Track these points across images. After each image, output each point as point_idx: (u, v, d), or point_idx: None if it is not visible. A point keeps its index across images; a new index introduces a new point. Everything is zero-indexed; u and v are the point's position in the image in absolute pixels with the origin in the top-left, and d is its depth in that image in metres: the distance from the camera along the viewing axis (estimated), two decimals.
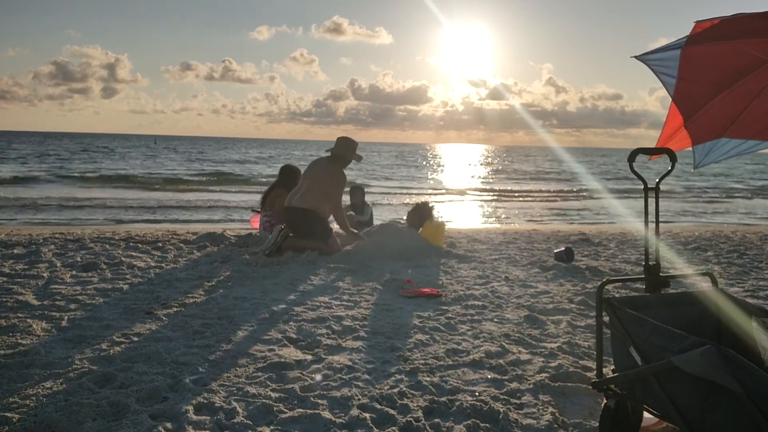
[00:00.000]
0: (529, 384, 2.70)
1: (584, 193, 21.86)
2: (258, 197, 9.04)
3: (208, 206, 14.42)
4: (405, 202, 16.38)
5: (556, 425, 2.31)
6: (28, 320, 3.42)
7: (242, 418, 2.28)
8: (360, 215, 7.32)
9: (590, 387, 2.41)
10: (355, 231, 6.19)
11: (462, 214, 13.91)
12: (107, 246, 6.01)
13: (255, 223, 7.97)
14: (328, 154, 6.18)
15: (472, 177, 31.41)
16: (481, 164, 48.83)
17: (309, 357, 2.98)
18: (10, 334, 3.19)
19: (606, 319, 2.11)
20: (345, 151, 6.14)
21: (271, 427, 2.24)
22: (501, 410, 2.37)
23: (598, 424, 2.23)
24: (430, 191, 21.81)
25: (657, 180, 2.40)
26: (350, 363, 2.89)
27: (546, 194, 21.35)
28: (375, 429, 2.23)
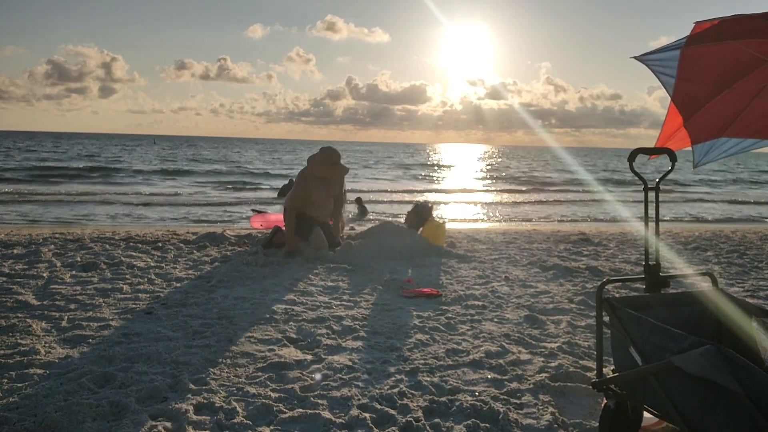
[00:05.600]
0: (529, 384, 2.70)
1: (584, 193, 21.86)
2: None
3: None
4: (404, 200, 16.38)
5: (556, 425, 2.31)
6: (28, 320, 3.43)
7: (242, 418, 2.28)
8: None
9: (590, 387, 2.41)
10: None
11: (462, 214, 13.91)
12: (107, 246, 6.00)
13: (255, 223, 7.98)
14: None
15: (472, 176, 31.42)
16: (481, 164, 48.85)
17: (309, 357, 2.98)
18: (10, 334, 3.19)
19: (606, 319, 2.11)
20: (311, 162, 5.99)
21: (271, 427, 2.24)
22: (501, 410, 2.38)
23: (598, 424, 2.24)
24: (429, 191, 21.81)
25: (657, 180, 2.40)
26: (350, 363, 2.89)
27: (546, 194, 21.36)
28: (375, 429, 2.23)
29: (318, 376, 2.72)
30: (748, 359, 1.62)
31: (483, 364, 2.94)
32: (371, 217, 11.11)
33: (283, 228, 6.54)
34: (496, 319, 3.74)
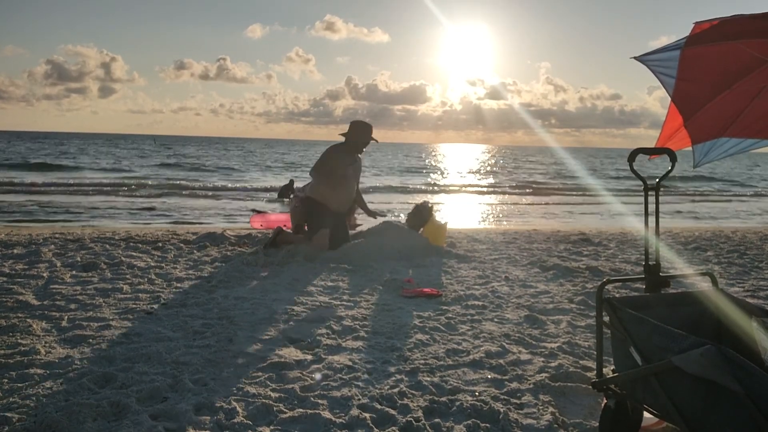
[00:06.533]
0: (529, 384, 2.70)
1: (584, 193, 21.86)
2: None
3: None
4: (405, 200, 16.37)
5: (556, 425, 2.31)
6: (28, 320, 3.43)
7: (242, 418, 2.28)
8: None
9: (590, 387, 2.41)
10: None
11: (462, 214, 13.91)
12: (107, 246, 6.01)
13: (255, 223, 7.98)
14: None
15: (472, 177, 31.42)
16: (481, 164, 48.86)
17: (309, 357, 2.98)
18: (10, 334, 3.19)
19: (606, 319, 2.11)
20: (349, 133, 6.00)
21: (271, 427, 2.24)
22: (501, 410, 2.38)
23: (598, 424, 2.24)
24: (429, 191, 21.81)
25: (657, 180, 2.40)
26: (350, 363, 2.89)
27: (546, 194, 21.36)
28: (375, 429, 2.23)
29: (318, 376, 2.72)
30: (749, 359, 1.62)
31: (483, 364, 2.94)
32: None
33: (284, 228, 6.53)
34: (496, 319, 3.74)
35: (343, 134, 6.08)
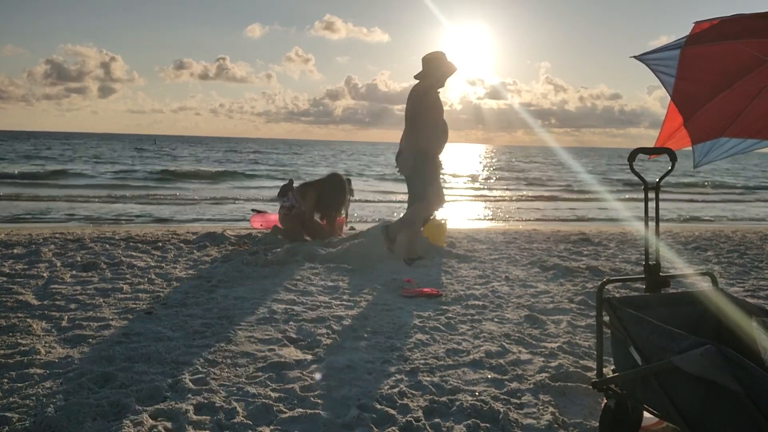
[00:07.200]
0: (529, 384, 2.70)
1: (584, 193, 21.85)
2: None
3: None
4: (405, 200, 16.34)
5: (556, 425, 2.31)
6: (28, 320, 3.42)
7: (242, 418, 2.28)
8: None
9: (590, 387, 2.41)
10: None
11: (462, 214, 13.91)
12: (107, 246, 6.01)
13: (255, 223, 7.98)
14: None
15: (472, 177, 31.40)
16: (481, 164, 48.86)
17: (309, 357, 2.98)
18: (10, 334, 3.19)
19: (606, 319, 2.11)
20: (424, 71, 5.45)
21: (271, 427, 2.24)
22: (501, 410, 2.38)
23: (598, 424, 2.24)
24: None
25: (657, 179, 2.40)
26: (350, 363, 2.89)
27: (545, 194, 21.35)
28: (375, 429, 2.23)
29: (318, 376, 2.72)
30: (749, 359, 1.62)
31: (483, 363, 2.94)
32: (370, 215, 11.11)
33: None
34: (496, 319, 3.74)
35: (417, 76, 5.57)
